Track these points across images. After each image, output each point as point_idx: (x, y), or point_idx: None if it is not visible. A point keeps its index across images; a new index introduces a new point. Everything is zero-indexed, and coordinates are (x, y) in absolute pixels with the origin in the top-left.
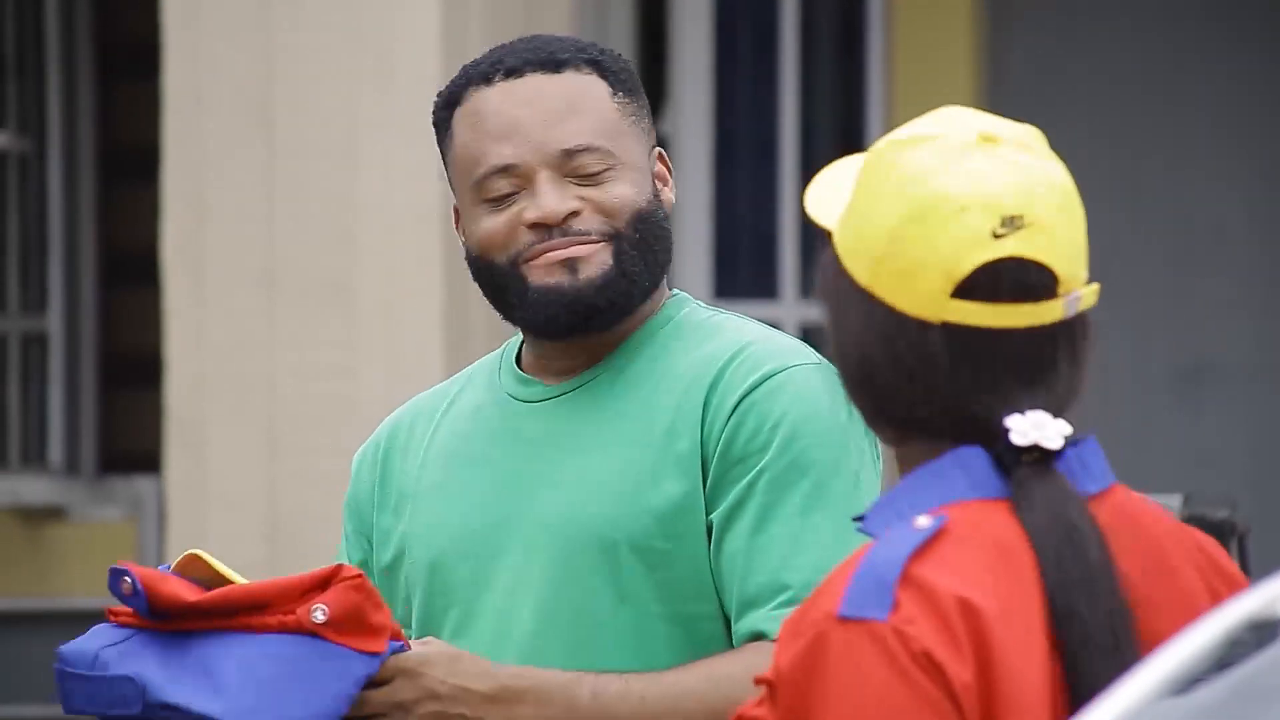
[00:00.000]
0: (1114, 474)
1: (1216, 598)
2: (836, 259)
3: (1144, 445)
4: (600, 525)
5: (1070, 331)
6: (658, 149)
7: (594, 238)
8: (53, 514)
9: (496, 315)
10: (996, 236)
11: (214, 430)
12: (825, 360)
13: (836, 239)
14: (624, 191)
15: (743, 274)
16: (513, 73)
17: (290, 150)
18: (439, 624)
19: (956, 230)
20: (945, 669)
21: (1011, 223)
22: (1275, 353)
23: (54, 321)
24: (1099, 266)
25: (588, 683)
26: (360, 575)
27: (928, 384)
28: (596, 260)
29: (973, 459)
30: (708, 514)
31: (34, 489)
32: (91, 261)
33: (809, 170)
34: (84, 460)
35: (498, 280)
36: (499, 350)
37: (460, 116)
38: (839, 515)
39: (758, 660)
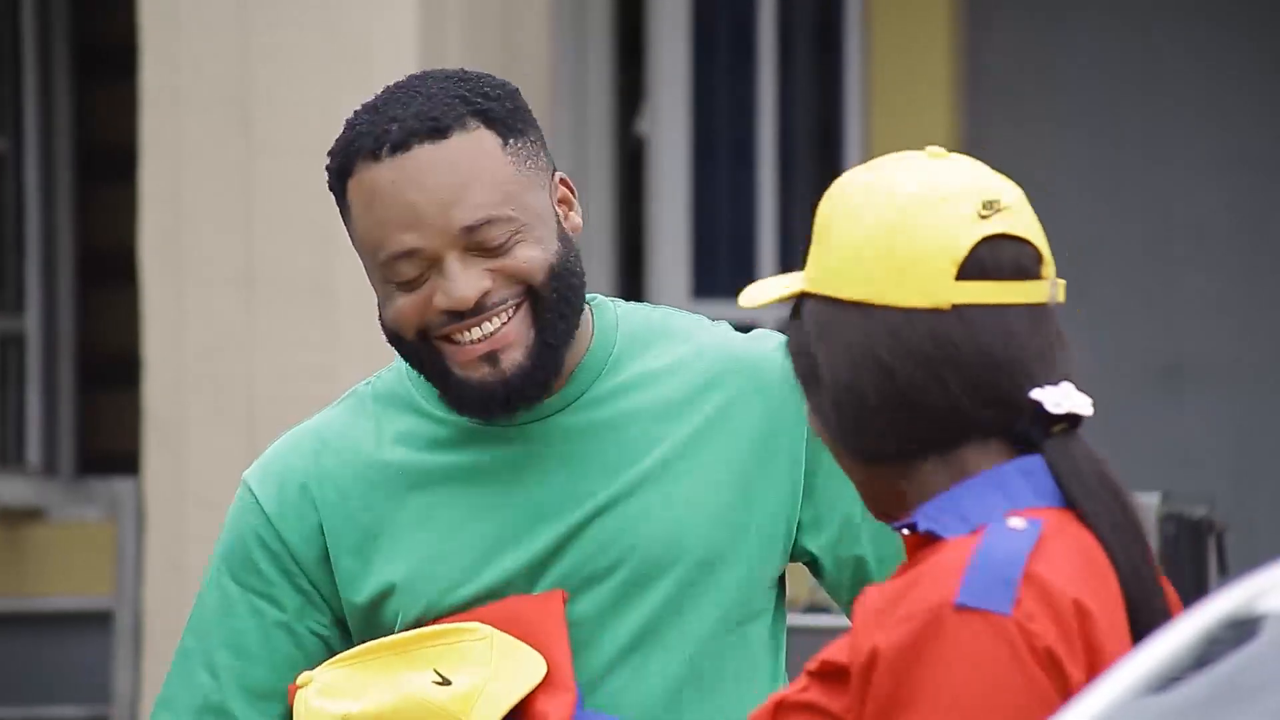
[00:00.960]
0: None
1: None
2: (816, 300)
3: (1123, 443)
4: (698, 543)
5: (1054, 319)
6: (558, 175)
7: (509, 305)
8: (31, 515)
9: None
10: (982, 217)
11: (193, 430)
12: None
13: (812, 282)
14: (531, 254)
15: (721, 274)
16: (398, 147)
17: (268, 150)
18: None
19: (946, 216)
20: (1065, 667)
21: (992, 206)
22: (1254, 350)
23: (31, 321)
24: (1079, 263)
25: None
26: None
27: (950, 371)
28: (517, 344)
29: (1035, 467)
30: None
31: (12, 490)
32: (69, 261)
33: (787, 170)
34: (62, 461)
35: (416, 355)
36: (377, 384)
37: (354, 190)
38: None
39: None
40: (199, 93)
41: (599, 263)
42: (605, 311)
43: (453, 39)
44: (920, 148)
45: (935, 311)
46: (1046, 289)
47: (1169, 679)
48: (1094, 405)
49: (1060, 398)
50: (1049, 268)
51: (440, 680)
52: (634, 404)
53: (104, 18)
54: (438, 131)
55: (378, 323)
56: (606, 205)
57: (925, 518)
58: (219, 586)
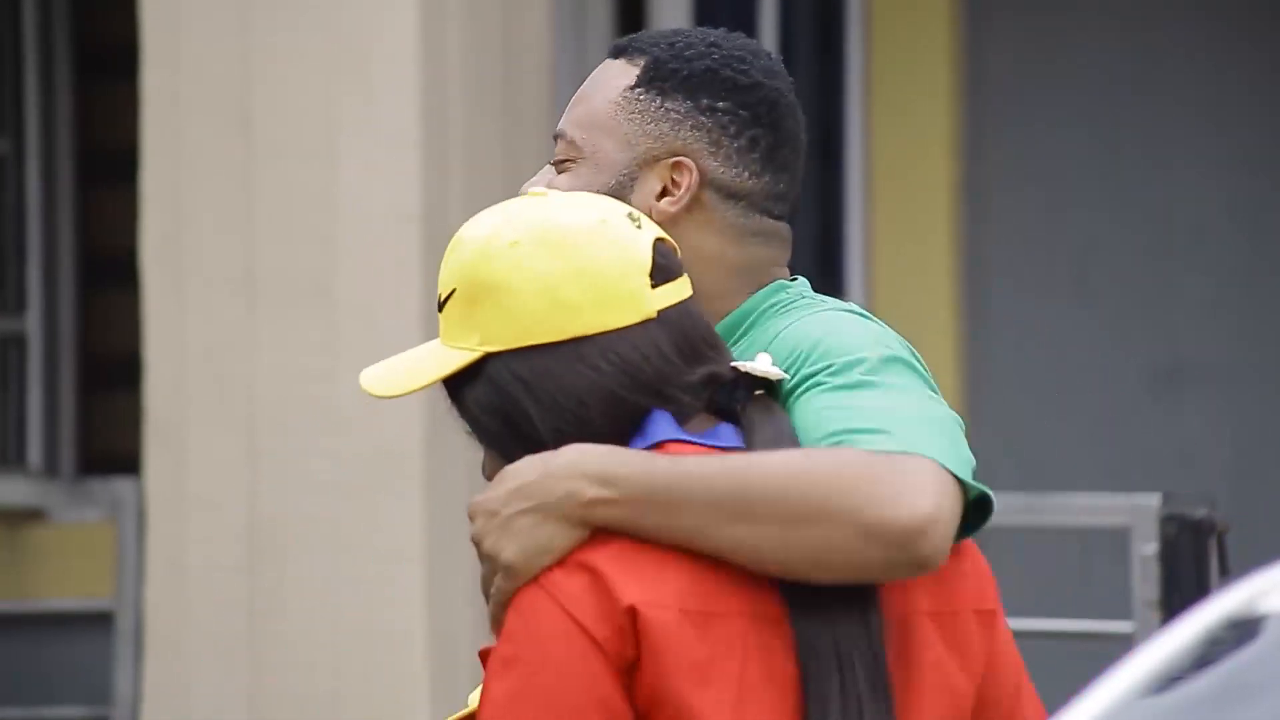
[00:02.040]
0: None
1: None
2: (509, 356)
3: (1122, 443)
4: None
5: None
6: (679, 159)
7: None
8: (32, 516)
9: None
10: (638, 228)
11: (193, 432)
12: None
13: (496, 341)
14: (561, 184)
15: None
16: (610, 52)
17: (269, 152)
18: None
19: (611, 237)
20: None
21: (633, 217)
22: (1254, 351)
23: (33, 323)
24: (1078, 264)
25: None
26: None
27: (667, 379)
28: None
29: (650, 421)
30: None
31: (13, 491)
32: (70, 263)
33: None
34: (63, 462)
35: None
36: None
37: None
38: (897, 390)
39: (847, 455)
40: (200, 95)
41: None
42: (775, 292)
43: (453, 41)
44: (922, 150)
45: (645, 323)
46: (688, 284)
47: (1170, 679)
48: (1093, 406)
49: (761, 365)
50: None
51: None
52: None
53: (105, 20)
54: (618, 49)
55: (377, 325)
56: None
57: None
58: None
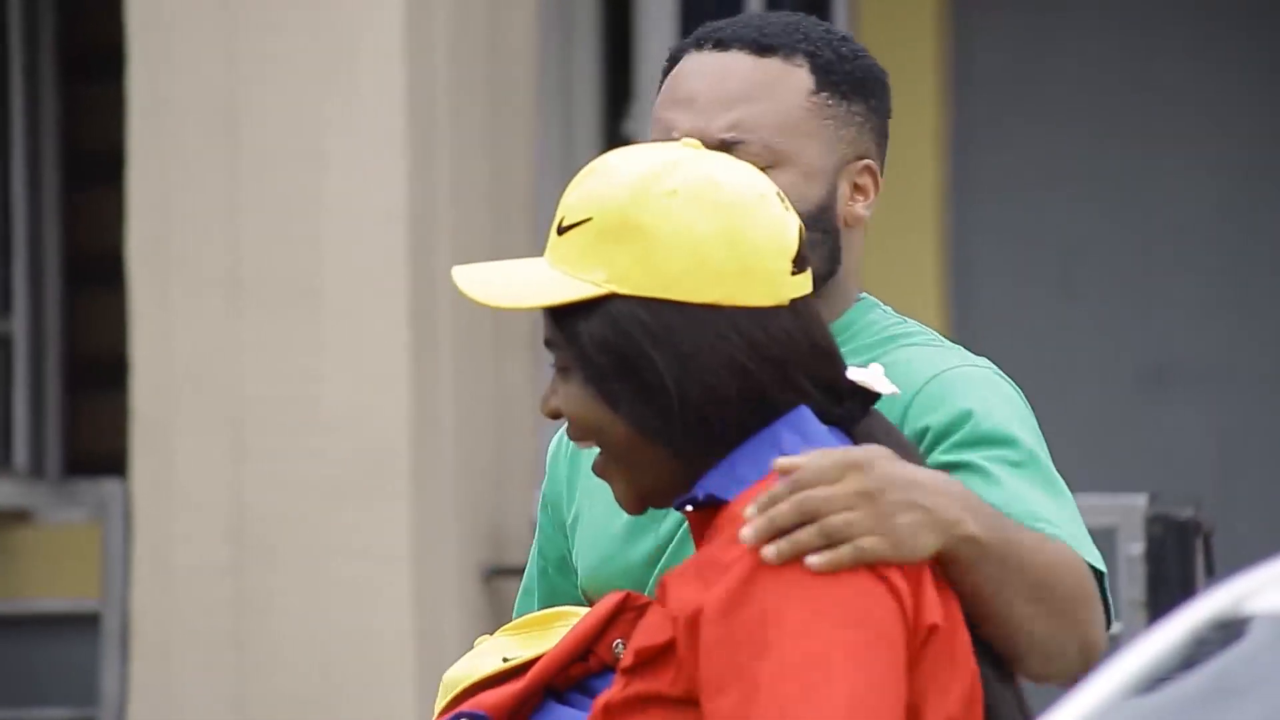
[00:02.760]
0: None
1: None
2: (638, 302)
3: (1110, 444)
4: None
5: None
6: (867, 161)
7: None
8: (18, 517)
9: (464, 318)
10: (788, 210)
11: (179, 433)
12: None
13: (629, 283)
14: (780, 185)
15: None
16: (720, 45)
17: (255, 153)
18: None
19: (770, 214)
20: (888, 573)
21: (783, 197)
22: (1241, 352)
23: (19, 324)
24: (1065, 263)
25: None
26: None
27: (794, 365)
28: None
29: (801, 419)
30: None
31: None
32: (56, 264)
33: None
34: (49, 463)
35: None
36: None
37: (669, 75)
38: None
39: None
40: (186, 96)
41: None
42: (865, 309)
43: (440, 42)
44: (909, 150)
45: (777, 309)
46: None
47: (1157, 679)
48: (1080, 406)
49: (874, 379)
50: None
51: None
52: None
53: (91, 22)
54: (761, 47)
55: (363, 326)
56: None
57: (702, 488)
58: (539, 525)
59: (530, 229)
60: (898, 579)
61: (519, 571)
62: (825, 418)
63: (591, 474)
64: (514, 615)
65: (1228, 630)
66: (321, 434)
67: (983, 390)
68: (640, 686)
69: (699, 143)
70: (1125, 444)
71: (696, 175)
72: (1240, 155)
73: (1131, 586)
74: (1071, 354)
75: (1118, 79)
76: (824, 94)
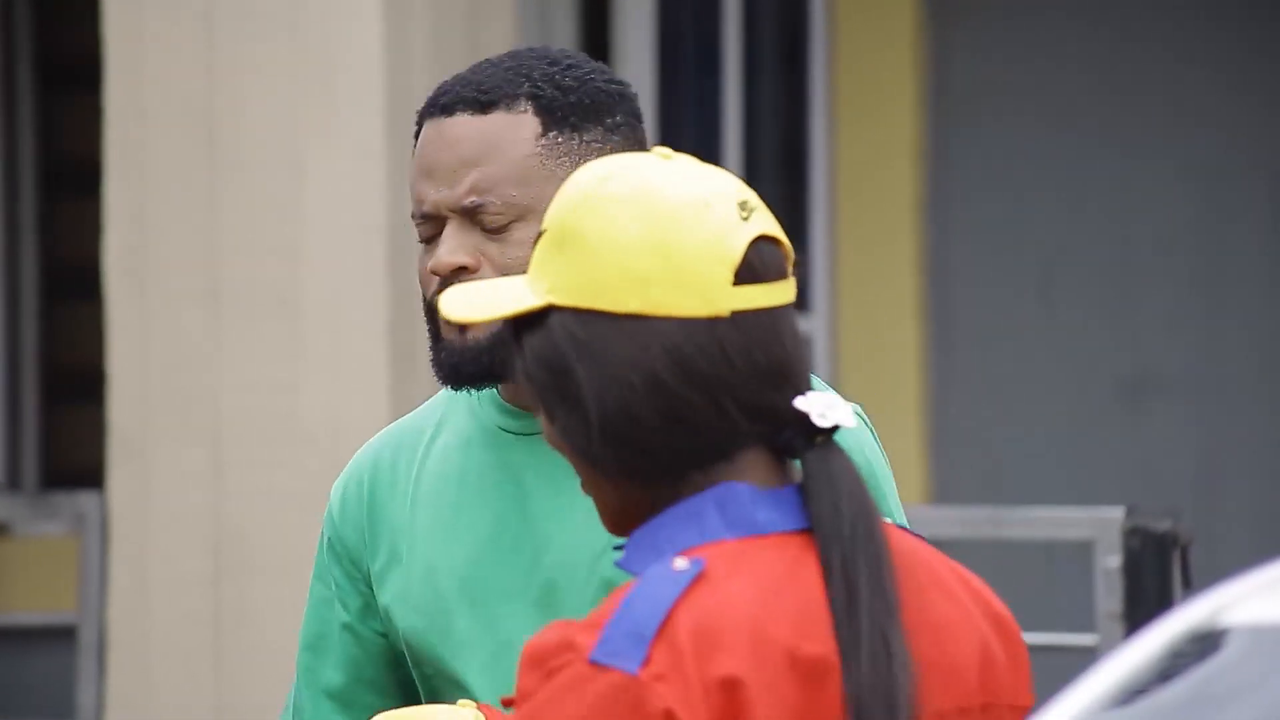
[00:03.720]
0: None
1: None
2: (572, 314)
3: (1086, 457)
4: (608, 565)
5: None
6: None
7: None
8: None
9: None
10: (744, 219)
11: (157, 445)
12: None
13: (564, 294)
14: (522, 248)
15: None
16: (445, 110)
17: (233, 163)
18: (453, 671)
19: (713, 221)
20: None
21: (746, 207)
22: (1218, 365)
23: None
24: (1042, 274)
25: None
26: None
27: (726, 385)
28: (486, 325)
29: (730, 497)
30: None
31: None
32: (33, 275)
33: (753, 181)
34: (26, 475)
35: (427, 316)
36: None
37: (417, 143)
38: None
39: None
40: (164, 107)
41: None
42: None
43: (418, 53)
44: (886, 159)
45: (713, 320)
46: (793, 287)
47: (1133, 692)
48: (1058, 418)
49: (824, 409)
50: (790, 265)
51: None
52: None
53: (68, 32)
54: (481, 104)
55: (342, 337)
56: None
57: (629, 550)
58: (311, 586)
59: None
60: None
61: None
62: (770, 447)
63: (414, 509)
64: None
65: (1205, 643)
66: (300, 445)
67: (872, 444)
68: None
69: (669, 151)
70: (1102, 456)
71: (638, 181)
72: (1219, 165)
73: (1109, 599)
74: (1050, 364)
75: (1095, 88)
76: (552, 133)
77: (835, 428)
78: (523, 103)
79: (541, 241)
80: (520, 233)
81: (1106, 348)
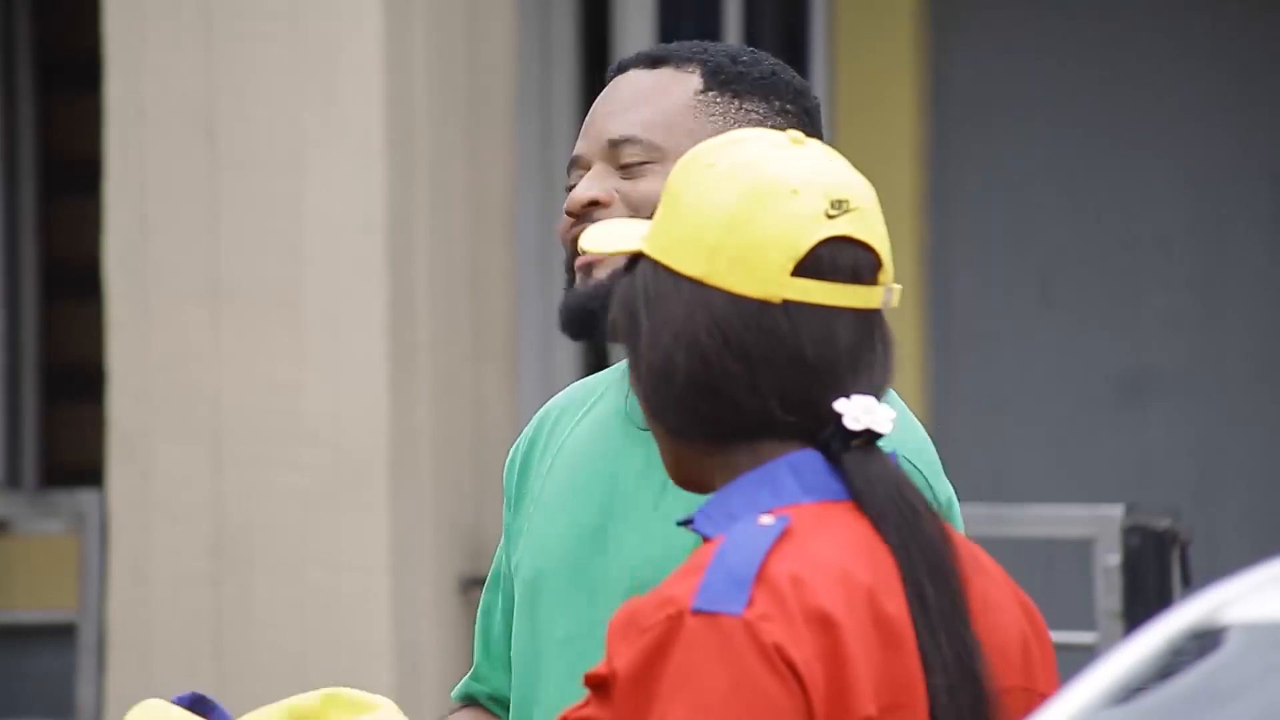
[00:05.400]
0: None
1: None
2: (652, 265)
3: (1086, 455)
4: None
5: (883, 325)
6: None
7: None
8: None
9: (442, 327)
10: (829, 217)
11: (158, 443)
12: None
13: (652, 245)
14: (653, 187)
15: None
16: (620, 69)
17: (234, 163)
18: (547, 633)
19: (792, 210)
20: (797, 664)
21: (840, 205)
22: (1217, 364)
23: None
24: (1042, 274)
25: None
26: None
27: (763, 367)
28: (609, 263)
29: (804, 463)
30: None
31: None
32: (33, 273)
33: None
34: (25, 473)
35: (567, 266)
36: None
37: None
38: None
39: None
40: (164, 105)
41: (564, 277)
42: None
43: (418, 52)
44: (886, 159)
45: (763, 303)
46: (880, 295)
47: (1133, 689)
48: (1057, 416)
49: (860, 412)
50: (887, 274)
51: None
52: None
53: (68, 30)
54: (653, 60)
55: (342, 336)
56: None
57: (700, 516)
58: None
59: (509, 239)
60: (812, 673)
61: None
62: (809, 443)
63: (547, 478)
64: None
65: (1204, 640)
66: (301, 444)
67: (919, 434)
68: (592, 710)
69: (801, 135)
70: (1102, 454)
71: (744, 156)
72: (1218, 163)
73: (1108, 597)
74: (1050, 363)
75: (1096, 88)
76: (712, 93)
77: (871, 433)
78: (692, 65)
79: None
80: (654, 176)
81: (1106, 347)
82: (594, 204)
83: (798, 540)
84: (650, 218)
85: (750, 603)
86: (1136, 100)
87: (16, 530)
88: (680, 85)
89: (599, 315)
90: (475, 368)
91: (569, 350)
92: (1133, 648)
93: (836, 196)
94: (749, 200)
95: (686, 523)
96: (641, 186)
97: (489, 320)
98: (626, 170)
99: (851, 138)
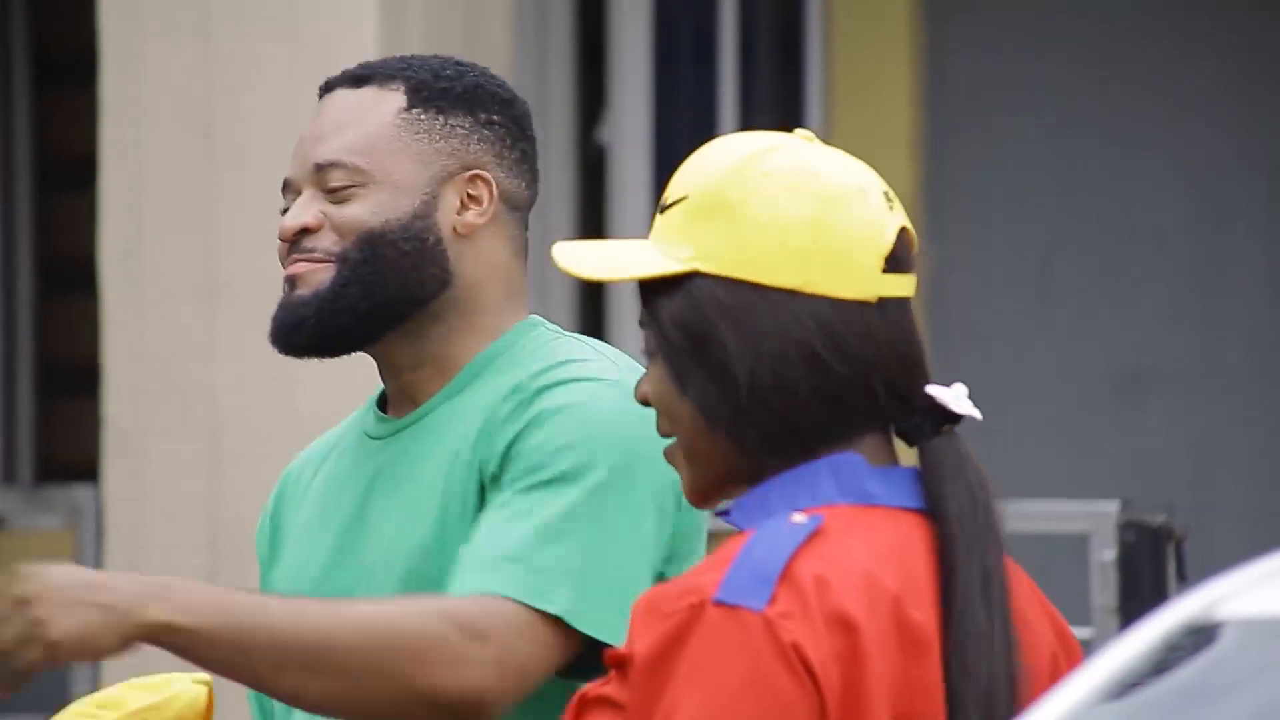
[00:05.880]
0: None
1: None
2: (716, 281)
3: (1082, 450)
4: (411, 562)
5: None
6: (475, 171)
7: (318, 255)
8: None
9: None
10: (890, 209)
11: (153, 440)
12: (624, 379)
13: (713, 262)
14: (357, 212)
15: None
16: (328, 88)
17: (230, 159)
18: None
19: (866, 208)
20: (813, 664)
21: (889, 196)
22: (1213, 359)
23: None
24: (1039, 268)
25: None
26: None
27: (872, 365)
28: (313, 280)
29: (845, 465)
30: None
31: None
32: (28, 269)
33: None
34: (21, 469)
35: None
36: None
37: None
38: (576, 519)
39: (436, 605)
40: (160, 102)
41: (561, 276)
42: (526, 328)
43: (415, 48)
44: (882, 153)
45: (862, 304)
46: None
47: (1128, 685)
48: (1053, 411)
49: (956, 397)
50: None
51: None
52: (462, 425)
53: (63, 26)
54: (357, 80)
55: None
56: (567, 214)
57: (737, 508)
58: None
59: None
60: (827, 675)
61: None
62: (898, 431)
63: (298, 513)
64: None
65: (1200, 636)
66: (298, 440)
67: (570, 413)
68: (612, 690)
69: (812, 134)
70: (1098, 450)
71: (794, 161)
72: (1216, 159)
73: (1104, 593)
74: (1046, 358)
75: (1093, 81)
76: (416, 110)
77: (959, 418)
78: (396, 82)
79: (679, 209)
80: (361, 200)
81: (1103, 342)
82: (304, 231)
83: (828, 541)
84: (358, 241)
85: (772, 599)
86: (1134, 94)
87: (12, 526)
88: (384, 104)
89: (308, 327)
90: None
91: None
92: (1128, 643)
93: (883, 189)
94: (825, 204)
95: (722, 514)
96: (347, 211)
97: None
98: (333, 194)
99: (847, 131)
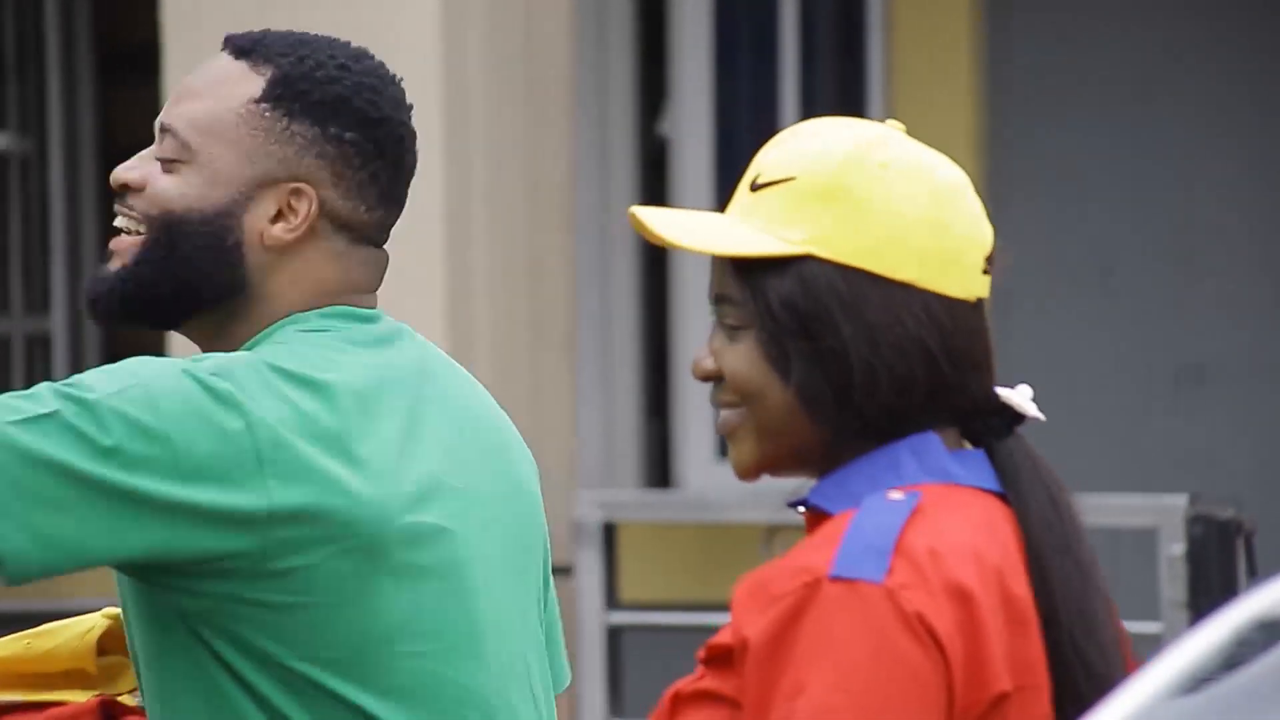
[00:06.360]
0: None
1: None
2: (835, 268)
3: (1147, 445)
4: None
5: None
6: (299, 185)
7: (137, 216)
8: None
9: (500, 315)
10: (984, 210)
11: None
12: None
13: (830, 249)
14: (168, 188)
15: None
16: (223, 45)
17: None
18: None
19: (971, 208)
20: (939, 633)
21: (977, 195)
22: (1277, 351)
23: (57, 322)
24: (1101, 264)
25: None
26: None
27: (969, 363)
28: (124, 255)
29: (925, 446)
30: None
31: None
32: (93, 262)
33: None
34: None
35: None
36: None
37: None
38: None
39: None
40: None
41: (623, 265)
42: (275, 329)
43: (474, 40)
44: (943, 148)
45: (965, 303)
46: None
47: (1199, 680)
48: (1118, 406)
49: (1024, 399)
50: None
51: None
52: None
53: (127, 19)
54: (241, 49)
55: (403, 320)
56: (629, 206)
57: (817, 493)
58: None
59: (566, 227)
60: (952, 643)
61: (559, 572)
62: (966, 430)
63: None
64: None
65: (1270, 631)
66: None
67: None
68: (709, 683)
69: (902, 126)
70: (1163, 444)
71: (908, 155)
72: (1273, 160)
73: (1173, 587)
74: (1110, 354)
75: (1154, 79)
76: (265, 104)
77: (1024, 419)
78: (267, 66)
79: (783, 189)
80: (178, 176)
81: (1167, 335)
82: (125, 187)
83: (929, 516)
84: (160, 218)
85: (890, 571)
86: (1196, 88)
87: None
88: (241, 88)
89: (105, 302)
90: (534, 357)
91: (629, 338)
92: (1198, 638)
93: (971, 187)
94: (941, 201)
95: (799, 503)
96: (162, 182)
97: (548, 309)
98: (162, 161)
99: (908, 124)
